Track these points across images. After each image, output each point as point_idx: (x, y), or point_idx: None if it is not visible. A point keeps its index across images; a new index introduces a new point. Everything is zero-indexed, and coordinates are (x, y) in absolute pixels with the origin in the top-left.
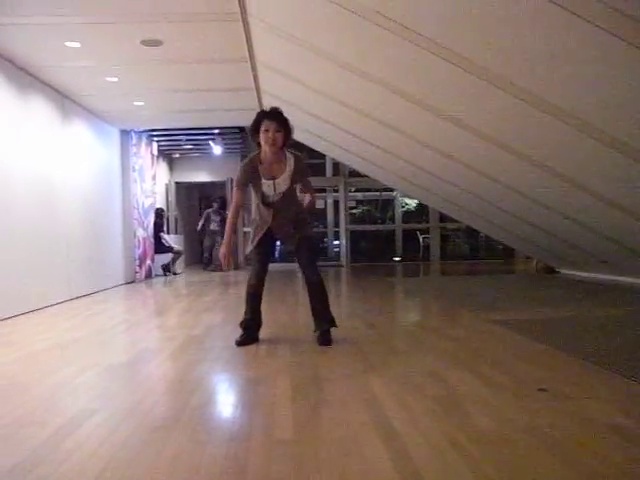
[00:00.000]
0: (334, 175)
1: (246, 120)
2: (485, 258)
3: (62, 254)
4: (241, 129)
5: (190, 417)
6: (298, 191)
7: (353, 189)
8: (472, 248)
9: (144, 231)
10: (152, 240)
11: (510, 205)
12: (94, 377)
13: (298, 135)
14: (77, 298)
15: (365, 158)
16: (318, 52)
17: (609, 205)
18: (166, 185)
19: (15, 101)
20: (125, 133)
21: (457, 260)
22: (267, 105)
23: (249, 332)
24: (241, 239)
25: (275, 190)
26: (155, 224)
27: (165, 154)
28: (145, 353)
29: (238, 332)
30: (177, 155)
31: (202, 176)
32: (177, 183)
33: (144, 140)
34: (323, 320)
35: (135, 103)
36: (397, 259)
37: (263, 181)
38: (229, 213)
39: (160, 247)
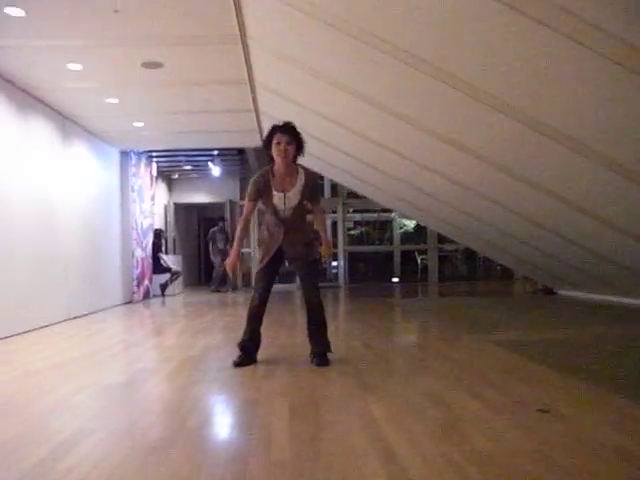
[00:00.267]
0: (332, 196)
1: (245, 142)
2: (483, 279)
3: (61, 274)
4: (240, 151)
5: (187, 438)
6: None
7: (351, 210)
8: (470, 269)
9: (142, 251)
10: (150, 260)
11: (508, 226)
12: (92, 397)
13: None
14: (75, 318)
15: (364, 179)
16: (316, 74)
17: (606, 225)
18: (165, 206)
19: (16, 121)
20: (125, 154)
21: (455, 281)
22: (265, 127)
23: (247, 353)
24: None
25: (285, 204)
26: (154, 244)
27: (164, 175)
28: (142, 373)
29: (236, 353)
30: (176, 176)
31: (201, 197)
32: (176, 204)
33: (143, 161)
34: (319, 343)
35: (135, 124)
36: (395, 280)
37: (274, 193)
38: (238, 225)
39: (158, 267)
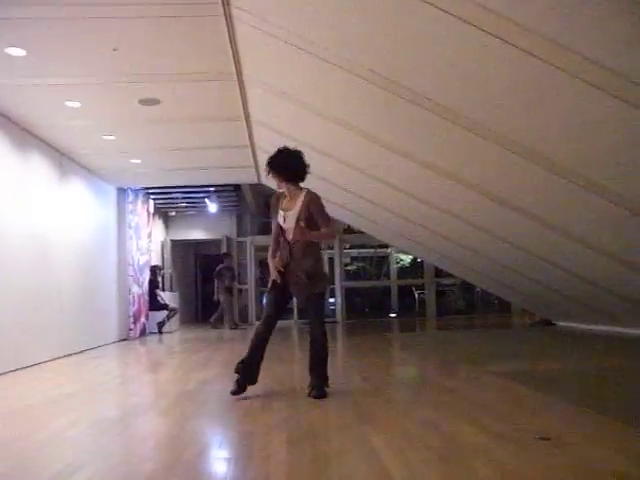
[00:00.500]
0: None
1: (241, 178)
2: (481, 313)
3: (56, 311)
4: (236, 187)
5: (182, 471)
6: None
7: (348, 246)
8: (468, 303)
9: (139, 288)
10: (147, 297)
11: (506, 258)
12: (85, 431)
13: None
14: (70, 355)
15: (360, 214)
16: (312, 109)
17: (605, 256)
18: (162, 242)
19: (14, 158)
20: (122, 191)
21: (453, 315)
22: (261, 162)
23: (243, 376)
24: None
25: (286, 223)
26: (150, 281)
27: (161, 212)
28: (137, 408)
29: (231, 386)
30: (173, 213)
31: (198, 234)
32: (173, 241)
33: (140, 198)
34: (317, 376)
35: (132, 161)
36: (393, 315)
37: (280, 211)
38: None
39: (155, 304)
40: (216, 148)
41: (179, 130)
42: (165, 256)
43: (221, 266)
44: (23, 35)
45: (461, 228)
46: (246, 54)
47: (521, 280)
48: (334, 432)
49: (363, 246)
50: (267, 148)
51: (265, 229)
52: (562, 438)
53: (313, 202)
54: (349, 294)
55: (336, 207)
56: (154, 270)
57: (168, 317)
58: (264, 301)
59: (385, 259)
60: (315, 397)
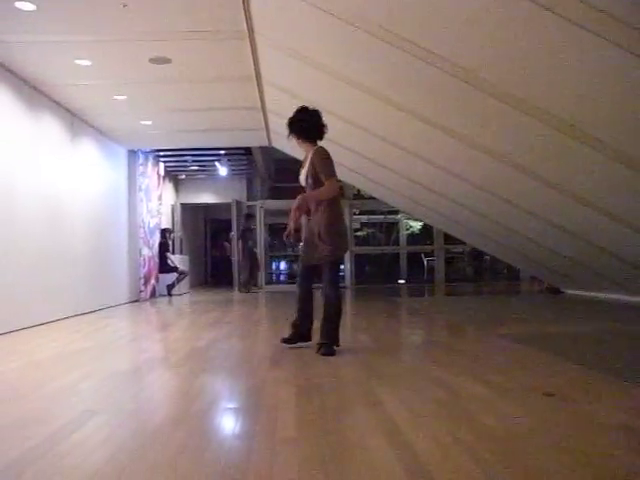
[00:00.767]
0: None
1: (252, 141)
2: (490, 280)
3: (68, 271)
4: (247, 150)
5: (193, 419)
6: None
7: (357, 212)
8: (477, 270)
9: (149, 250)
10: (157, 260)
11: (516, 223)
12: (97, 383)
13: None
14: (82, 314)
15: (371, 178)
16: (325, 70)
17: (613, 219)
18: (172, 206)
19: (26, 118)
20: (132, 153)
21: (462, 282)
22: (272, 125)
23: (295, 331)
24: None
25: (300, 179)
26: (161, 244)
27: (171, 175)
28: (148, 363)
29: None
30: (183, 176)
31: (207, 197)
32: (183, 204)
33: (151, 160)
34: (326, 335)
35: (143, 122)
36: (401, 281)
37: (301, 169)
38: None
39: (165, 267)
40: (227, 109)
41: (190, 90)
42: (175, 219)
43: (244, 227)
44: None
45: (470, 192)
46: (258, 12)
47: (530, 246)
48: (342, 386)
49: (373, 212)
50: (278, 110)
51: (275, 193)
52: (566, 394)
53: (316, 156)
54: (359, 260)
55: (346, 170)
56: (164, 233)
57: (178, 280)
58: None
59: (395, 225)
60: (323, 354)
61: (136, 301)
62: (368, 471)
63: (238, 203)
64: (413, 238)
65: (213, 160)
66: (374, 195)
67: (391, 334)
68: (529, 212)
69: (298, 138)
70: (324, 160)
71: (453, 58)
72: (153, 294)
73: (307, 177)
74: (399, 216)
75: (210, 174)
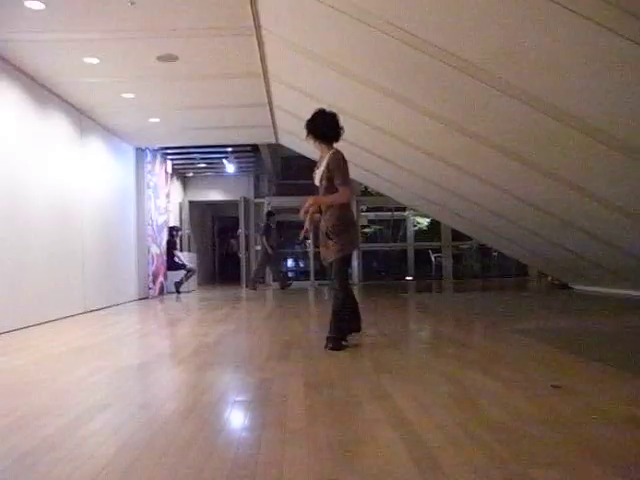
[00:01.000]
0: None
1: (259, 138)
2: (498, 276)
3: (77, 268)
4: (254, 148)
5: (203, 410)
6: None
7: (365, 208)
8: (485, 267)
9: (157, 248)
10: (165, 257)
11: (525, 219)
12: (108, 377)
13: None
14: (91, 311)
15: (378, 174)
16: (332, 66)
17: (622, 214)
18: (180, 204)
19: (34, 116)
20: (140, 151)
21: (470, 278)
22: (279, 122)
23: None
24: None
25: (315, 179)
26: (168, 242)
27: (179, 173)
28: (157, 358)
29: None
30: (191, 174)
31: (215, 195)
32: (190, 202)
33: (159, 158)
34: (333, 330)
35: (150, 120)
36: (409, 278)
37: (315, 169)
38: None
39: (173, 264)
40: (234, 106)
41: (197, 88)
42: (183, 217)
43: (266, 224)
44: None
45: (480, 188)
46: (265, 8)
47: (539, 241)
48: (350, 379)
49: (380, 209)
50: (285, 107)
51: (282, 190)
52: (573, 387)
53: (332, 160)
54: (366, 257)
55: (354, 167)
56: (172, 231)
57: (186, 277)
58: None
59: (402, 222)
60: (330, 349)
61: (145, 298)
62: (377, 462)
63: (245, 200)
64: (421, 235)
65: (220, 157)
66: (382, 192)
67: (399, 329)
68: (538, 208)
69: (315, 140)
70: (340, 166)
71: (462, 53)
72: (161, 292)
73: (322, 179)
74: (407, 213)
75: (217, 171)
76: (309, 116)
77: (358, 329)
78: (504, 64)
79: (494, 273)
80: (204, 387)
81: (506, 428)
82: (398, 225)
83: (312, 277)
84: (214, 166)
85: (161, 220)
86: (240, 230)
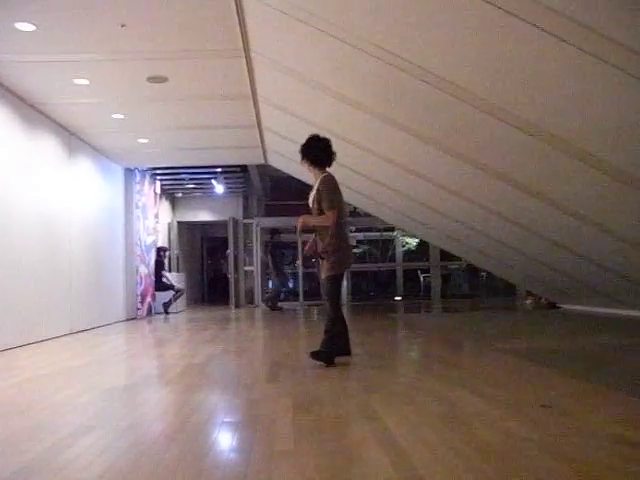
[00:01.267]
0: None
1: (248, 159)
2: (486, 296)
3: (64, 289)
4: (243, 168)
5: (190, 432)
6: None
7: (353, 229)
8: (473, 287)
9: (146, 268)
10: (153, 278)
11: (512, 239)
12: (94, 398)
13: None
14: (78, 332)
15: (367, 195)
16: (320, 88)
17: (609, 234)
18: (168, 224)
19: (23, 135)
20: (129, 171)
21: (458, 298)
22: (268, 143)
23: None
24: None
25: (309, 200)
26: (156, 262)
27: (168, 193)
28: (145, 379)
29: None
30: (180, 194)
31: (204, 215)
32: (179, 222)
33: (148, 179)
34: (322, 343)
35: (139, 140)
36: (398, 298)
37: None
38: None
39: (161, 285)
40: (223, 127)
41: (186, 109)
42: (172, 237)
43: (272, 243)
44: (32, 9)
45: (467, 208)
46: (254, 31)
47: (526, 261)
48: (339, 400)
49: (369, 229)
50: (274, 128)
51: (271, 211)
52: (562, 406)
53: (322, 183)
54: (355, 277)
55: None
56: (159, 251)
57: (174, 297)
58: None
59: (391, 242)
60: (311, 356)
61: (133, 319)
62: None
63: (234, 221)
64: (409, 255)
65: (209, 178)
66: (370, 212)
67: (388, 349)
68: (528, 229)
69: (310, 165)
70: (328, 191)
71: (448, 76)
72: (149, 312)
73: (314, 201)
74: (395, 233)
75: (206, 192)
76: (304, 141)
77: (348, 352)
78: (490, 86)
79: (482, 293)
80: (192, 408)
81: (495, 448)
82: (387, 245)
83: (301, 297)
84: (203, 186)
85: (149, 240)
86: (229, 250)
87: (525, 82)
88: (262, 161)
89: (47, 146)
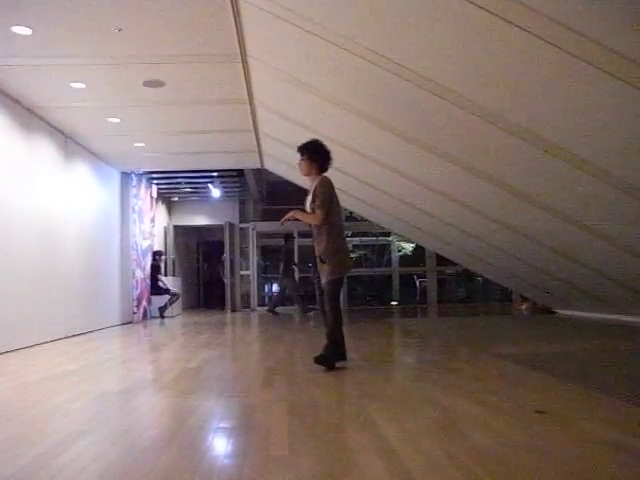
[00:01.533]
0: None
1: (245, 163)
2: (482, 301)
3: (60, 292)
4: (239, 172)
5: (184, 437)
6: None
7: (349, 234)
8: (469, 292)
9: (142, 272)
10: (149, 282)
11: (508, 245)
12: (88, 403)
13: (295, 177)
14: (73, 336)
15: (363, 200)
16: (317, 93)
17: (605, 240)
18: (165, 228)
19: (19, 139)
20: (125, 175)
21: (454, 303)
22: (265, 147)
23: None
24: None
25: (305, 207)
26: (152, 266)
27: (164, 197)
28: (139, 383)
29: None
30: (176, 198)
31: (200, 220)
32: (175, 226)
33: (144, 182)
34: (324, 348)
35: (136, 144)
36: (394, 303)
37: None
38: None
39: (157, 289)
40: (220, 132)
41: (183, 113)
42: (168, 242)
43: (285, 248)
44: (29, 13)
45: (463, 214)
46: (251, 36)
47: (522, 267)
48: (334, 405)
49: (365, 234)
50: (271, 133)
51: (267, 215)
52: (557, 412)
53: (318, 185)
54: (351, 282)
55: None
56: (155, 255)
57: (170, 302)
58: None
59: (387, 247)
60: (315, 360)
61: (128, 323)
62: None
63: (230, 225)
64: (405, 260)
65: (206, 182)
66: (366, 217)
67: (383, 354)
68: (523, 234)
69: (310, 163)
70: (322, 191)
71: (444, 82)
72: (145, 316)
73: (310, 204)
74: (391, 238)
75: (203, 196)
76: (306, 141)
77: (344, 357)
78: (486, 92)
79: (478, 298)
80: (186, 414)
81: (491, 454)
82: (382, 250)
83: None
84: (199, 191)
85: (145, 244)
86: (225, 255)
87: (516, 86)
88: (258, 165)
89: (43, 150)
